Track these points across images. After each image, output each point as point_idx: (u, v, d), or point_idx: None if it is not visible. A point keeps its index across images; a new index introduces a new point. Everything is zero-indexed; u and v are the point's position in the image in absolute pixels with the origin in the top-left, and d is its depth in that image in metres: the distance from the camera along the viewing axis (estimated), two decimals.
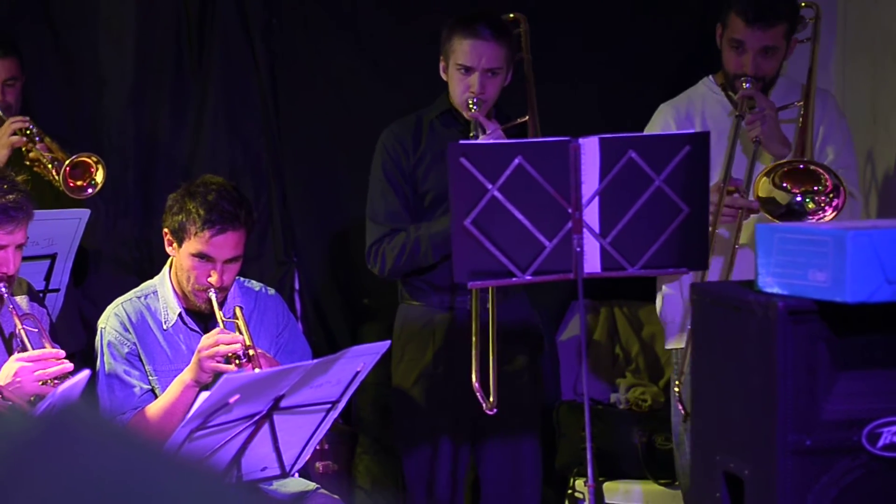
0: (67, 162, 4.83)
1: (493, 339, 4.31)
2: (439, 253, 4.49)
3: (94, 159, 4.88)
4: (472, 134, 4.46)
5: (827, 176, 4.23)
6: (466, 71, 4.51)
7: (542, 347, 4.88)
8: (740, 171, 4.46)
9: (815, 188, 4.25)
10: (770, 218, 4.26)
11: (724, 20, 4.56)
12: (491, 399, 4.26)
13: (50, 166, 4.89)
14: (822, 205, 4.24)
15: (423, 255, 4.53)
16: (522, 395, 4.63)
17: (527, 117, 4.56)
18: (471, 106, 4.48)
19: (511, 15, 4.78)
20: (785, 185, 4.26)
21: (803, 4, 4.70)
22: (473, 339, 4.33)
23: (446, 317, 4.60)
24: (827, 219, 4.22)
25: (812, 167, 4.25)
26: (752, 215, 4.43)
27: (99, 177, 4.87)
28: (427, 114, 4.68)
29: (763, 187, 4.26)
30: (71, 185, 4.84)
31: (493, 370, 4.28)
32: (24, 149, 4.96)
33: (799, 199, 4.27)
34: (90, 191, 4.86)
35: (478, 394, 4.24)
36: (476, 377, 4.26)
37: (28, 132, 4.94)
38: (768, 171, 4.26)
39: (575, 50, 5.75)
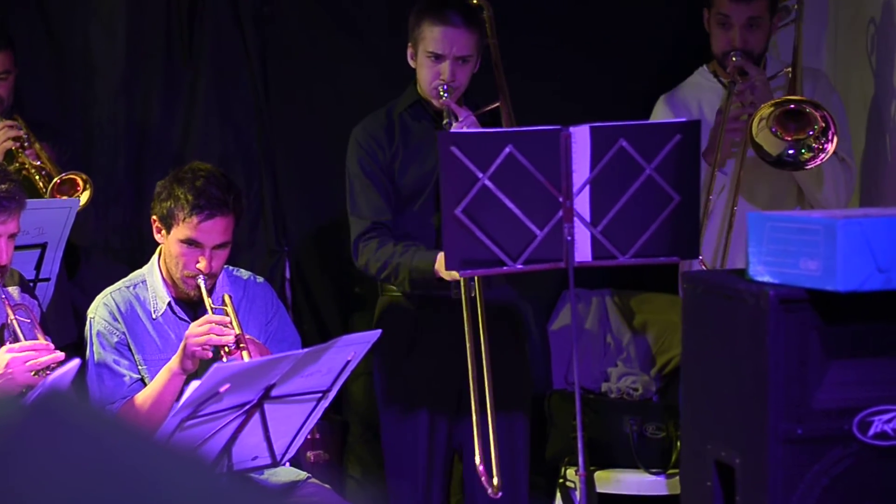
0: (57, 178, 4.81)
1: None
2: (415, 286, 4.47)
3: (83, 178, 4.85)
4: (444, 122, 4.40)
5: (816, 113, 4.34)
6: (437, 58, 4.45)
7: (527, 330, 4.88)
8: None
9: (809, 132, 4.34)
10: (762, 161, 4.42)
11: (708, 2, 4.73)
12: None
13: (38, 177, 4.87)
14: (821, 145, 4.35)
15: (399, 282, 4.49)
16: (509, 379, 4.60)
17: (498, 104, 4.51)
18: (441, 94, 4.43)
19: (475, 0, 4.69)
20: (775, 130, 4.35)
21: None
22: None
23: (427, 308, 4.58)
24: (829, 154, 4.34)
25: (803, 107, 4.35)
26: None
27: (84, 197, 4.83)
28: (396, 107, 4.63)
29: (756, 127, 4.36)
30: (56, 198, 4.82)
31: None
32: (13, 149, 4.95)
33: (791, 151, 4.38)
34: None
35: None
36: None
37: (20, 138, 4.92)
38: (763, 112, 4.38)
39: (541, 37, 5.72)
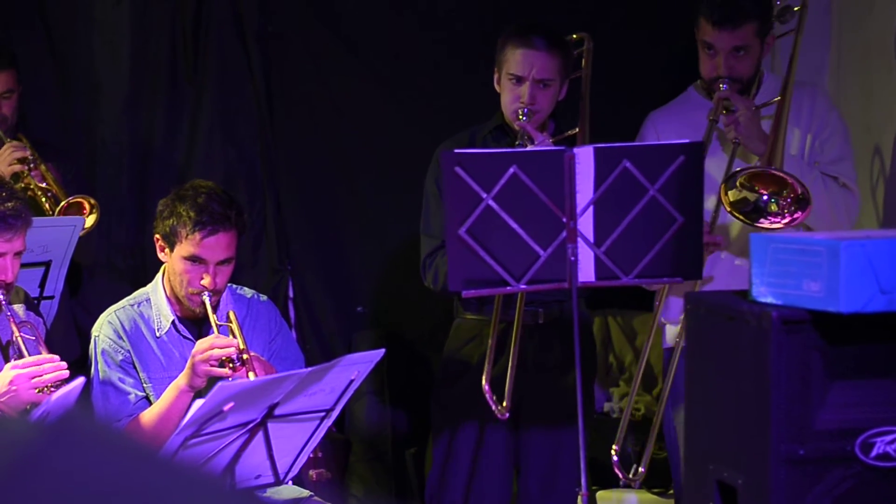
0: (64, 202, 4.81)
1: (515, 341, 4.35)
2: None
3: (91, 202, 4.85)
4: (517, 143, 4.41)
5: (794, 184, 4.19)
6: (517, 81, 4.49)
7: (592, 344, 4.91)
8: (719, 171, 4.45)
9: (784, 191, 4.21)
10: (744, 221, 4.25)
11: (696, 24, 4.57)
12: (504, 404, 4.30)
13: (43, 199, 4.88)
14: (783, 210, 4.20)
15: None
16: (569, 395, 4.62)
17: (577, 130, 4.53)
18: (520, 116, 4.46)
19: (575, 35, 4.73)
20: (755, 185, 4.23)
21: None
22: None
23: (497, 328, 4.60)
24: (780, 226, 4.18)
25: (780, 175, 4.21)
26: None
27: (90, 220, 4.83)
28: (480, 130, 4.68)
29: (732, 194, 4.24)
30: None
31: (510, 375, 4.32)
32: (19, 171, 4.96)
33: (765, 198, 4.23)
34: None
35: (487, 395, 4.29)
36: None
37: (26, 159, 4.93)
38: (727, 179, 4.25)
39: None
